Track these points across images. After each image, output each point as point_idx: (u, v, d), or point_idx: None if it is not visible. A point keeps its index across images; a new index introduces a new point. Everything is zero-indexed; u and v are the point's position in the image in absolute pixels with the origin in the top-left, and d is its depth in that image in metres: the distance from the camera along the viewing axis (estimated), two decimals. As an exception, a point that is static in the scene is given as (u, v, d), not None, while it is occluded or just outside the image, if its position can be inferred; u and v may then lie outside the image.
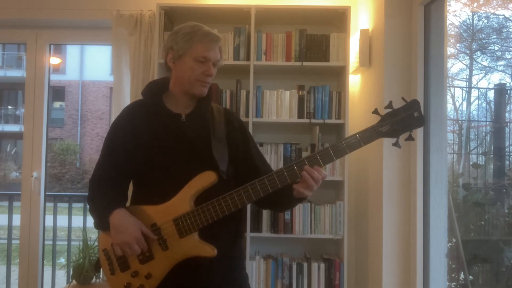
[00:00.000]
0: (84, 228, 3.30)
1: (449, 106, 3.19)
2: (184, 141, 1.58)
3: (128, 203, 1.64)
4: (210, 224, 1.49)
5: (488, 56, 3.31)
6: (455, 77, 3.33)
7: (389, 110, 1.42)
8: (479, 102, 3.20)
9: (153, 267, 1.52)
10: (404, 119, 1.41)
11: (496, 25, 3.21)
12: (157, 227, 1.52)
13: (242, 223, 1.74)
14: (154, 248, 1.52)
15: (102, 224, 1.55)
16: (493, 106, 2.98)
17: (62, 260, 4.89)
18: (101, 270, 1.62)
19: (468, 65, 3.37)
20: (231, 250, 1.62)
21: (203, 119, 1.63)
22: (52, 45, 3.34)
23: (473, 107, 3.23)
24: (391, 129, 1.41)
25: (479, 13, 3.30)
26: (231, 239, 1.63)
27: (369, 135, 1.42)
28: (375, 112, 1.42)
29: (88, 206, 1.66)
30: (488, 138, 2.98)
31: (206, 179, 1.51)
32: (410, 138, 1.42)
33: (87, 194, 1.65)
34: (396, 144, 1.43)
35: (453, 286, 2.74)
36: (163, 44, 1.68)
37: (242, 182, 1.50)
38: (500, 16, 3.14)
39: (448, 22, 2.51)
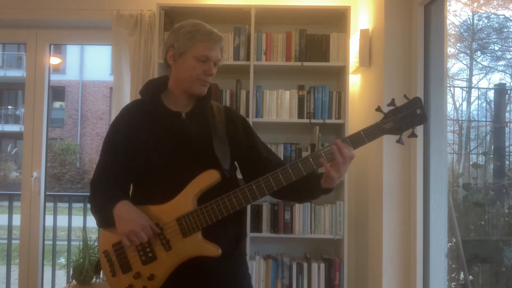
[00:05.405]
0: (84, 228, 3.29)
1: (449, 106, 3.19)
2: (185, 140, 1.56)
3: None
4: (213, 224, 1.47)
5: (488, 56, 3.31)
6: (455, 77, 3.34)
7: (392, 107, 1.43)
8: (479, 102, 3.20)
9: (156, 268, 1.50)
10: (407, 116, 1.42)
11: (497, 25, 3.22)
12: (159, 227, 1.50)
13: (244, 222, 1.73)
14: (157, 248, 1.50)
15: (106, 219, 1.52)
16: (493, 106, 2.98)
17: (62, 260, 4.88)
18: (101, 272, 1.59)
19: (468, 65, 3.37)
20: (234, 250, 1.62)
21: (204, 117, 1.61)
22: (52, 45, 3.34)
23: (473, 107, 3.23)
24: (394, 126, 1.42)
25: (479, 13, 3.30)
26: (234, 239, 1.62)
27: (373, 132, 1.42)
28: (378, 109, 1.43)
29: (90, 207, 1.63)
30: (488, 138, 2.98)
31: (209, 178, 1.49)
32: (413, 135, 1.43)
33: (87, 194, 1.62)
34: (399, 141, 1.43)
35: (453, 286, 2.74)
36: (164, 41, 1.65)
37: (253, 178, 1.48)
38: (500, 16, 3.15)
39: (448, 22, 2.51)
